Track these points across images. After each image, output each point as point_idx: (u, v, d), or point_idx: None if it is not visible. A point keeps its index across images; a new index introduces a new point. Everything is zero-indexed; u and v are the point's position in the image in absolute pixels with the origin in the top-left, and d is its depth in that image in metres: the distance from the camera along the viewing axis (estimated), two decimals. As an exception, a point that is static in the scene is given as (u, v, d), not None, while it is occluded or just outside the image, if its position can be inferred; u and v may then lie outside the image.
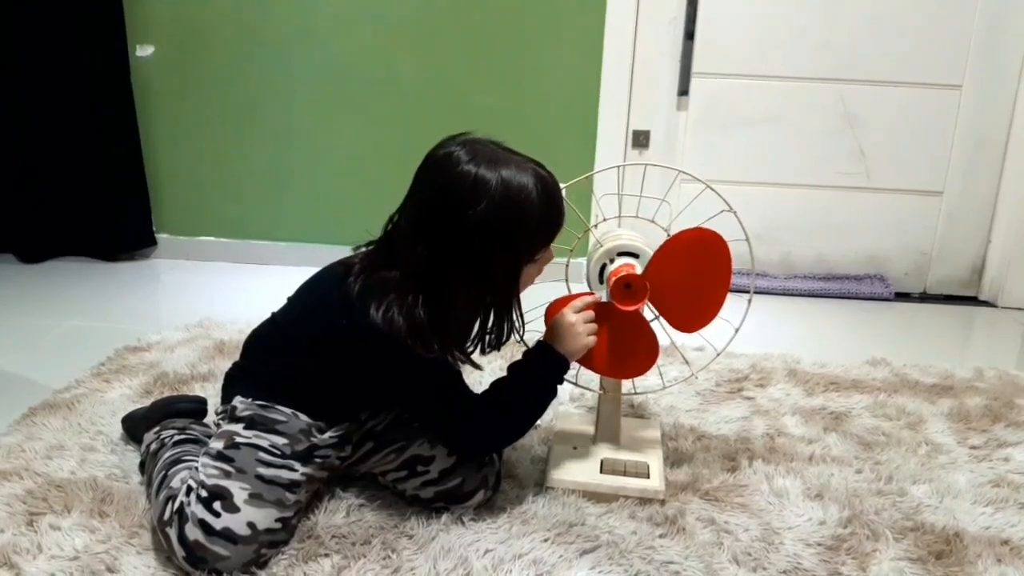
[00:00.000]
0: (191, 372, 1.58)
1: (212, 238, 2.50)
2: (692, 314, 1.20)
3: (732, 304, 1.20)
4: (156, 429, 1.21)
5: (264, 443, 1.06)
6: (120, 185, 2.42)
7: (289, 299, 1.16)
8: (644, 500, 1.18)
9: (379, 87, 2.34)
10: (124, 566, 1.02)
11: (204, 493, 1.01)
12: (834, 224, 2.37)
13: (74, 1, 2.26)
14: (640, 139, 2.33)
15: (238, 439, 1.06)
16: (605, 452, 1.27)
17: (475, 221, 0.99)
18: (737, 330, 1.24)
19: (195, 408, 1.29)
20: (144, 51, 2.37)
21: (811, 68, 2.26)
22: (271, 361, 1.13)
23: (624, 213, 1.26)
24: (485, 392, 1.12)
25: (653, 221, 1.25)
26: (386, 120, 2.36)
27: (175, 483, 1.06)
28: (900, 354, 1.80)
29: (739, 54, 2.27)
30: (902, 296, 2.37)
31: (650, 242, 1.22)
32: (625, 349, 1.21)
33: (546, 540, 1.08)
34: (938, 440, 1.41)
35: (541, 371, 1.13)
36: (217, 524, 0.99)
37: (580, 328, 1.14)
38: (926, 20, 2.19)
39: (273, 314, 1.16)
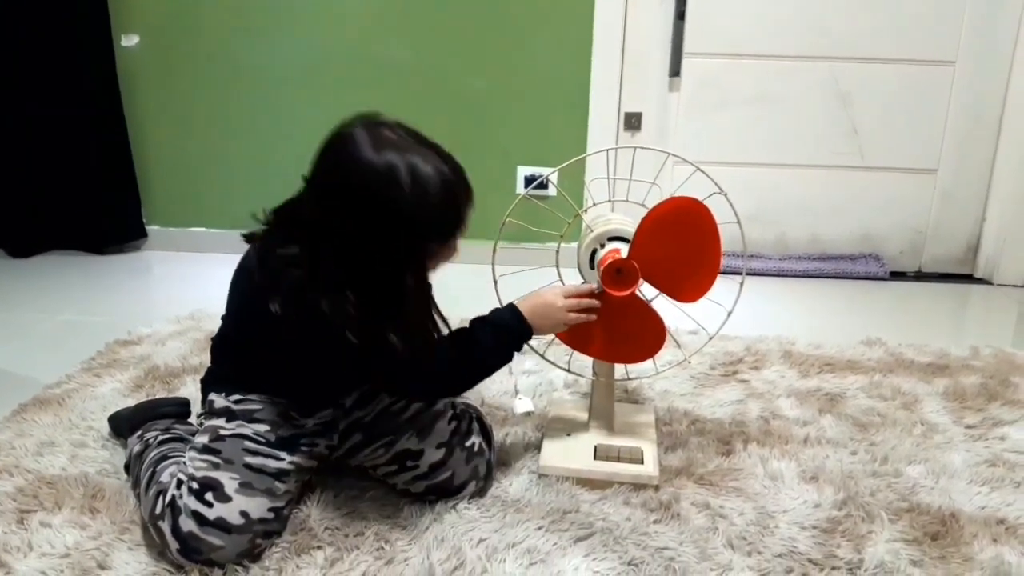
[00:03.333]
0: (182, 365, 1.57)
1: (203, 229, 2.48)
2: (692, 283, 1.17)
3: (725, 286, 1.19)
4: (139, 432, 1.20)
5: (248, 431, 1.07)
6: (109, 177, 2.40)
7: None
8: (638, 486, 1.17)
9: (368, 72, 2.31)
10: (115, 562, 1.01)
11: (195, 485, 1.01)
12: (828, 204, 2.36)
13: (57, -9, 2.24)
14: (632, 121, 2.31)
15: (222, 431, 1.07)
16: (599, 438, 1.27)
17: (375, 210, 0.95)
18: (730, 313, 1.23)
19: (178, 410, 1.29)
20: (129, 41, 2.34)
21: (803, 47, 2.24)
22: (232, 358, 1.14)
23: (615, 197, 1.25)
24: (438, 340, 1.10)
25: (644, 205, 1.23)
26: (376, 105, 2.29)
27: (164, 478, 1.06)
28: (895, 334, 1.80)
29: (731, 34, 2.25)
30: (897, 275, 2.37)
31: (641, 226, 1.21)
32: (630, 334, 1.20)
33: (540, 528, 1.07)
34: (933, 420, 1.41)
35: (502, 334, 1.11)
36: (211, 514, 0.99)
37: (560, 314, 1.13)
38: (919, -4, 2.18)
39: (223, 315, 1.18)
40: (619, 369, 1.30)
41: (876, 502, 1.15)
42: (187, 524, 0.98)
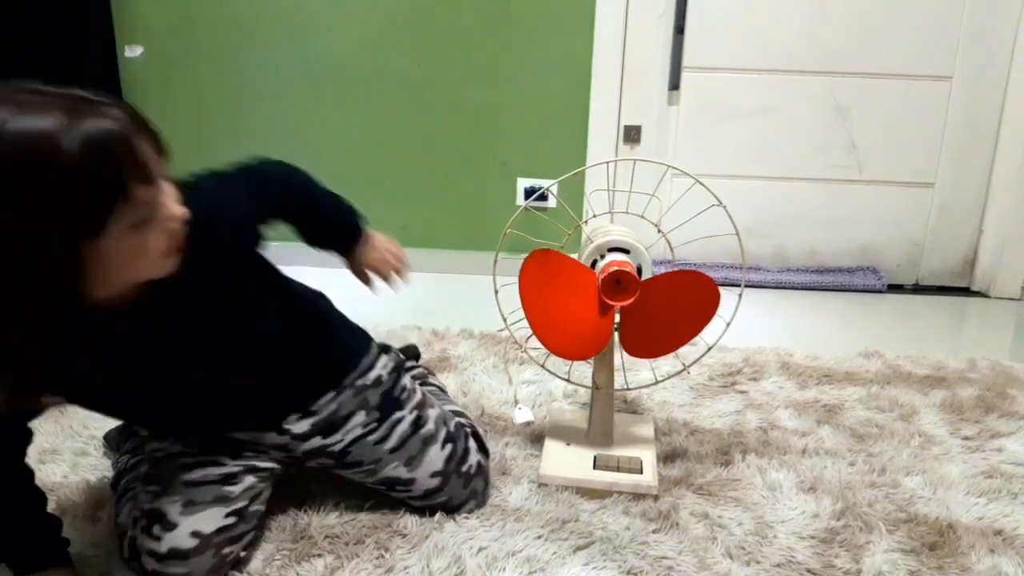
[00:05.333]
0: (183, 374, 1.57)
1: (204, 239, 2.48)
2: (649, 343, 1.21)
3: (724, 298, 1.20)
4: (116, 457, 1.18)
5: (177, 448, 1.03)
6: (111, 187, 2.41)
7: None
8: (637, 495, 1.18)
9: (369, 84, 2.33)
10: (116, 570, 1.01)
11: (144, 521, 0.97)
12: (826, 217, 2.37)
13: (62, 2, 2.25)
14: (632, 134, 2.33)
15: (157, 453, 1.04)
16: (598, 448, 1.27)
17: None
18: (728, 324, 1.24)
19: None
20: (133, 52, 2.36)
21: (802, 61, 2.26)
22: None
23: (615, 209, 1.26)
24: None
25: (643, 216, 1.25)
26: (377, 117, 2.35)
27: (123, 518, 1.03)
28: (893, 346, 1.81)
29: (730, 48, 2.26)
30: (895, 288, 2.38)
31: (640, 238, 1.22)
32: (586, 334, 1.20)
33: (540, 537, 1.08)
34: (931, 431, 1.42)
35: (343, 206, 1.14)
36: (162, 547, 0.95)
37: (381, 254, 1.15)
38: (916, 12, 2.19)
39: None
40: (618, 379, 1.31)
41: (874, 512, 1.16)
42: (148, 563, 0.96)
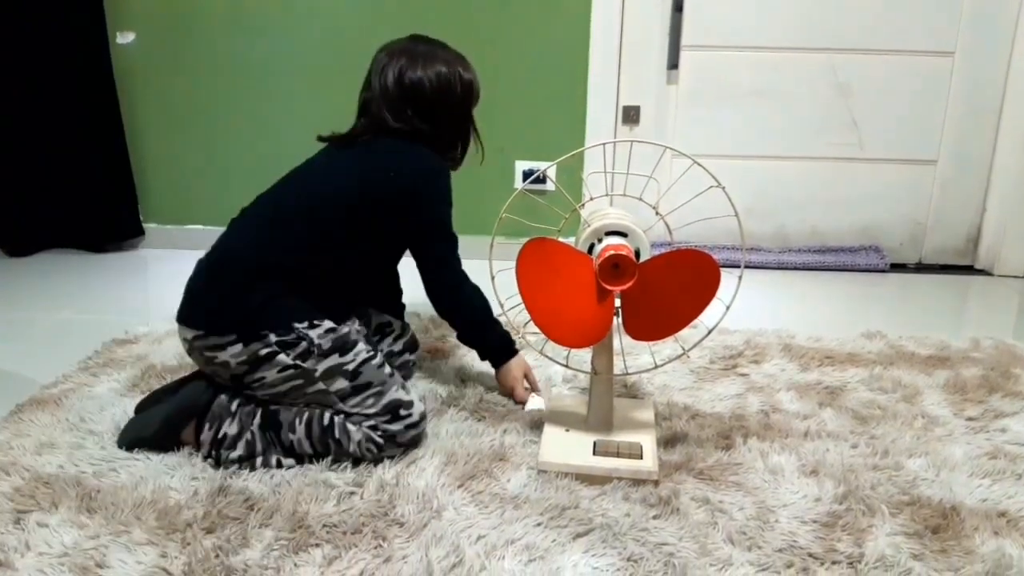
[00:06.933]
0: (179, 363, 1.56)
1: (200, 226, 2.47)
2: (652, 325, 1.19)
3: (724, 280, 1.18)
4: (234, 434, 1.22)
5: (363, 355, 1.24)
6: (106, 175, 2.39)
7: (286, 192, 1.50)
8: (638, 481, 1.17)
9: (365, 67, 2.30)
10: (113, 561, 1.00)
11: (386, 418, 1.21)
12: (828, 196, 2.35)
13: (51, -12, 2.23)
14: (630, 115, 2.30)
15: (348, 366, 1.22)
16: (598, 434, 1.26)
17: (448, 106, 1.44)
18: (728, 307, 1.23)
19: (210, 396, 1.26)
20: (125, 38, 2.34)
21: (802, 38, 2.23)
22: (303, 264, 1.28)
23: (613, 191, 1.24)
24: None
25: (641, 199, 1.23)
26: (372, 102, 2.32)
27: (355, 435, 1.20)
28: (896, 326, 1.79)
29: (729, 25, 2.23)
30: (897, 267, 2.36)
31: (639, 221, 1.20)
32: (585, 320, 1.19)
33: (539, 524, 1.07)
34: (934, 412, 1.40)
35: (503, 336, 1.42)
36: (415, 415, 1.23)
37: (513, 382, 1.42)
38: (918, -14, 2.17)
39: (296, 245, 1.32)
40: (618, 364, 1.29)
41: (877, 495, 1.15)
42: (405, 435, 1.22)
